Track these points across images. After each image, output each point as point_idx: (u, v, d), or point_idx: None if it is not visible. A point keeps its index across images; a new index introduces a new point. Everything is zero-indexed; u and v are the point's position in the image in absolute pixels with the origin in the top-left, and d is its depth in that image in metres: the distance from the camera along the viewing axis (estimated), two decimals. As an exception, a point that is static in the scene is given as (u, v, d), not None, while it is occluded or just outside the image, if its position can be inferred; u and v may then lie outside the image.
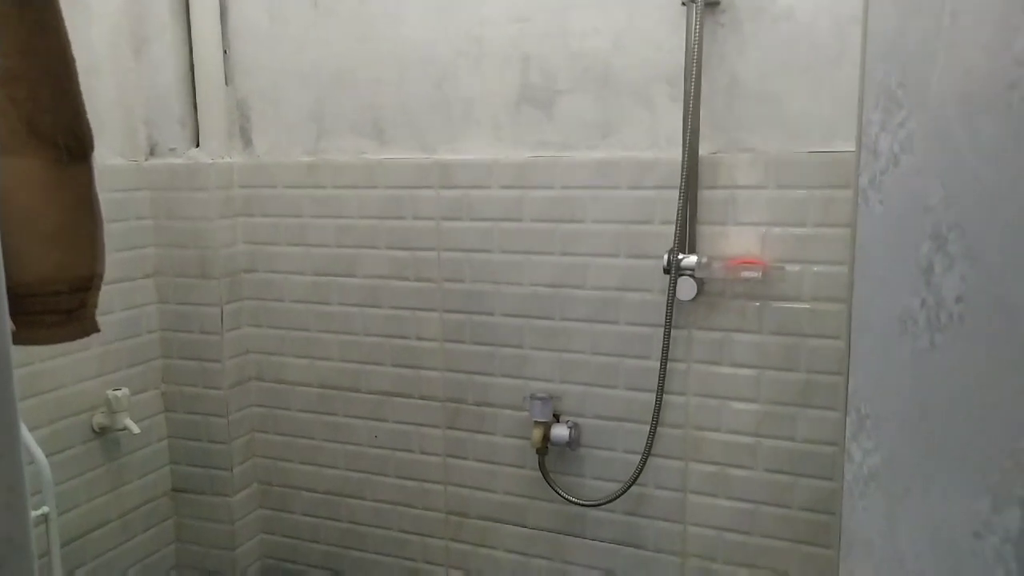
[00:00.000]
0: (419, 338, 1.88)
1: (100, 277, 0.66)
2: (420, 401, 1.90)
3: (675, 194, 1.59)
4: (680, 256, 1.58)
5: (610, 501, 1.70)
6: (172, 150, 1.93)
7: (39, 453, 1.46)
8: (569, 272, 1.73)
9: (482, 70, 1.76)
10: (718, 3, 1.55)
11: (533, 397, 1.76)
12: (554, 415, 1.77)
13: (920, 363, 0.63)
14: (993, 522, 0.52)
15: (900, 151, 0.71)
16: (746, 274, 1.55)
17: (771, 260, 1.55)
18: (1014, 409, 0.50)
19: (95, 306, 0.67)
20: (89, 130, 0.65)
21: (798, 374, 1.58)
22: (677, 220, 1.57)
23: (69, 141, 0.63)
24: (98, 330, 0.68)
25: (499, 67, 1.74)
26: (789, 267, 1.54)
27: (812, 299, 1.55)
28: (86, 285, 0.65)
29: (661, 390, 1.63)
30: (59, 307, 0.62)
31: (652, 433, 1.65)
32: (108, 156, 1.85)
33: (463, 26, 1.75)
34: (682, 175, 1.55)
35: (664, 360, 1.62)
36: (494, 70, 1.75)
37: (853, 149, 1.46)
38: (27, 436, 1.47)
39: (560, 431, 1.74)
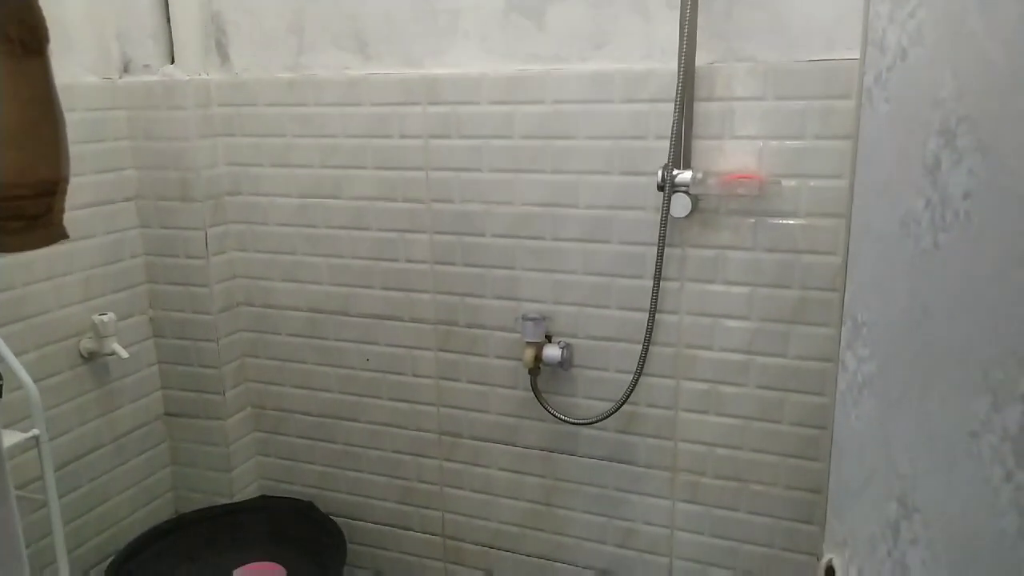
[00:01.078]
0: (408, 260, 1.85)
1: (66, 181, 0.63)
2: (411, 324, 1.89)
3: (670, 107, 1.54)
4: (675, 172, 1.54)
5: (602, 419, 1.71)
6: (146, 67, 1.86)
7: (26, 377, 1.45)
8: (561, 191, 1.69)
9: (469, -22, 1.67)
10: (717, -98, 1.47)
11: (525, 318, 1.74)
12: (546, 336, 1.76)
13: (922, 265, 0.61)
14: (992, 420, 0.51)
15: (909, 44, 0.67)
16: (742, 190, 1.52)
17: (767, 175, 1.52)
18: (1021, 305, 0.48)
19: (62, 211, 0.63)
20: (43, 21, 0.60)
21: (792, 291, 1.56)
22: (672, 134, 1.52)
23: (23, 34, 0.58)
24: (66, 236, 0.65)
25: (487, -26, 1.66)
26: (785, 182, 1.51)
27: (808, 214, 1.52)
28: (51, 189, 0.61)
29: (654, 309, 1.62)
30: (24, 212, 0.59)
31: (644, 352, 1.64)
32: (80, 73, 1.78)
33: (448, -70, 1.66)
34: (678, 87, 1.50)
35: (657, 279, 1.60)
36: (483, -22, 1.67)
37: (855, 56, 1.41)
38: (13, 360, 1.45)
39: (552, 351, 1.73)
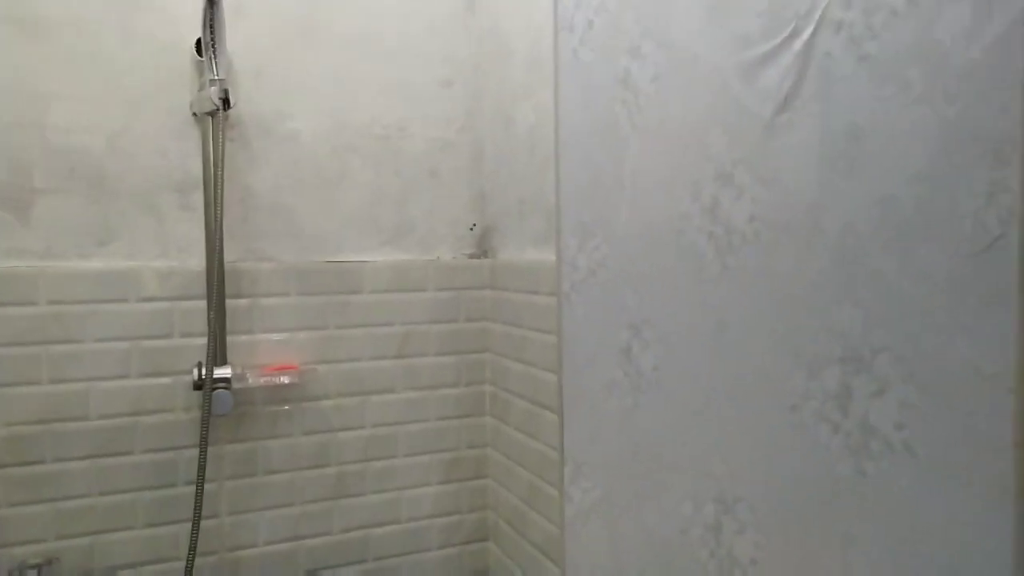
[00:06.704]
0: None
1: None
2: None
3: (194, 305, 1.54)
4: (213, 369, 1.51)
5: (142, 663, 1.45)
6: None
7: None
8: (65, 402, 1.45)
9: (-87, 155, 1.36)
10: (227, 118, 1.57)
11: (25, 567, 1.39)
12: (55, 582, 1.43)
13: (628, 419, 0.87)
14: (811, 389, 0.72)
15: (596, 266, 0.96)
16: (283, 379, 1.59)
17: (302, 363, 1.63)
18: (708, 438, 0.78)
19: None
20: None
21: (330, 468, 1.67)
22: (209, 331, 1.51)
23: None
24: None
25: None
26: (320, 367, 1.65)
27: (338, 395, 1.68)
28: None
29: (198, 516, 1.50)
30: None
31: (189, 568, 1.49)
32: None
33: None
34: (211, 284, 1.51)
35: (201, 482, 1.50)
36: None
37: (359, 259, 1.67)
38: None
39: (68, 599, 1.41)
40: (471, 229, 1.78)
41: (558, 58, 1.09)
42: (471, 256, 1.78)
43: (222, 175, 1.52)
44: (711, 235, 0.77)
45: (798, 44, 0.67)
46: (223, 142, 1.52)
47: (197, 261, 1.55)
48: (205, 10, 1.45)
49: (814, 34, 0.66)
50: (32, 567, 1.40)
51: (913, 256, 0.62)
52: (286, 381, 1.59)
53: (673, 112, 0.80)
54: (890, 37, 0.60)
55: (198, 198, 1.56)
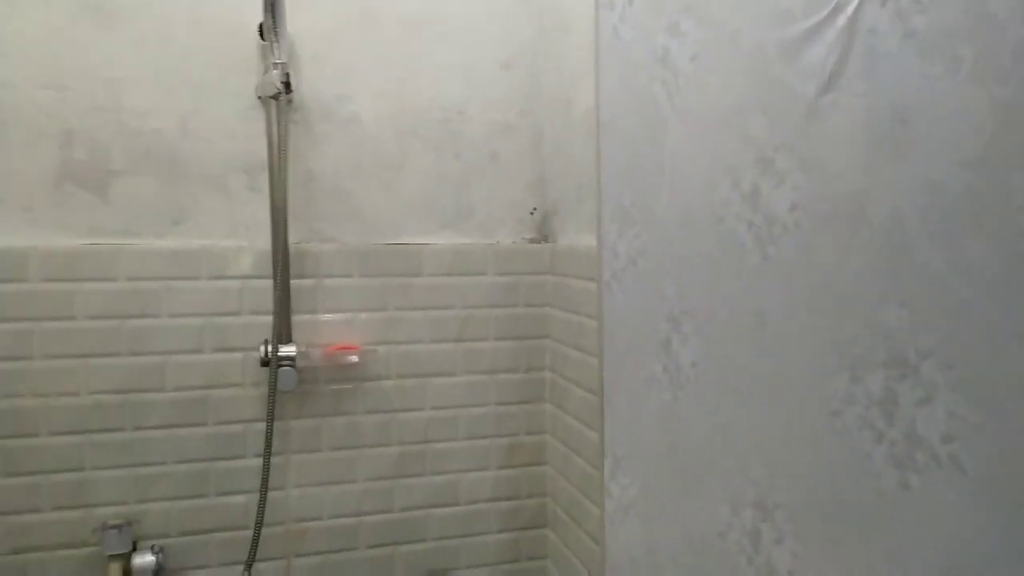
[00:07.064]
0: (-86, 485, 1.39)
1: None
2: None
3: (261, 284, 1.58)
4: (279, 346, 1.56)
5: (211, 624, 1.53)
6: None
7: None
8: (142, 374, 1.53)
9: (6, 141, 1.45)
10: (289, 102, 1.60)
11: (107, 527, 1.48)
12: (133, 542, 1.52)
13: (666, 414, 0.84)
14: (854, 394, 0.65)
15: (637, 255, 0.93)
16: (345, 359, 1.62)
17: (363, 343, 1.66)
18: (747, 439, 0.74)
19: None
20: None
21: (391, 448, 1.70)
22: (275, 310, 1.55)
23: None
24: None
25: (30, 139, 1.47)
26: (380, 348, 1.67)
27: (398, 376, 1.70)
28: None
29: (265, 488, 1.56)
30: None
31: (257, 535, 1.56)
32: None
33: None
34: (276, 264, 1.55)
35: (267, 455, 1.56)
36: (22, 142, 1.46)
37: (422, 241, 1.68)
38: None
39: (144, 560, 1.50)
40: (531, 213, 1.76)
41: (598, 36, 1.05)
42: (531, 241, 1.77)
43: (285, 158, 1.56)
44: (751, 224, 0.73)
45: (842, 19, 0.62)
46: (286, 125, 1.55)
47: (264, 241, 1.60)
48: (268, -5, 1.48)
49: (858, 9, 0.61)
50: (113, 527, 1.49)
51: (963, 250, 0.56)
52: (348, 360, 1.63)
53: (712, 93, 0.76)
54: (939, 11, 0.55)
55: (264, 180, 1.60)
